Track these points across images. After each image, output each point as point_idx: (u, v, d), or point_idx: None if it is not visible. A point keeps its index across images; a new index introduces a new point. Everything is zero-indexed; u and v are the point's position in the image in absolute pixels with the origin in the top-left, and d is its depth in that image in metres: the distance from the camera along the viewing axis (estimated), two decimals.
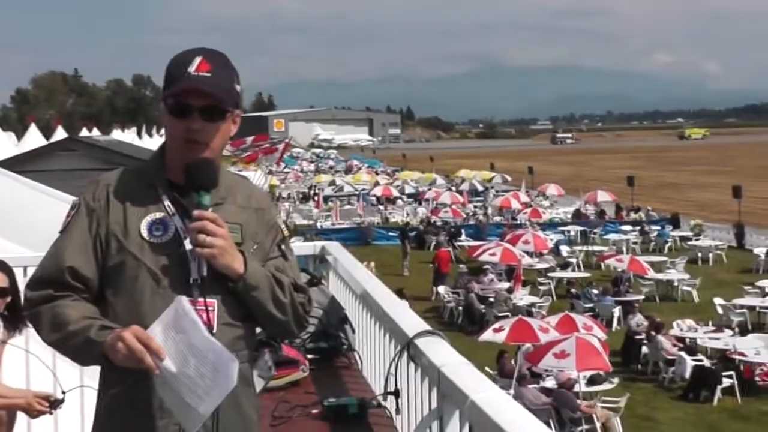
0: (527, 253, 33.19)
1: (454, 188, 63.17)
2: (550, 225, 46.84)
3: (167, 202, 2.84)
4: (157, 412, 2.73)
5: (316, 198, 59.91)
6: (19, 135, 47.18)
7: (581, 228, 45.21)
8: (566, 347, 17.47)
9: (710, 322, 24.48)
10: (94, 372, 2.97)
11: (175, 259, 2.78)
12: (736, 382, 19.81)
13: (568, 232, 44.87)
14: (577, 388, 17.92)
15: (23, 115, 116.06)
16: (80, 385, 4.97)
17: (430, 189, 61.65)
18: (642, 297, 28.88)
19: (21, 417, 5.22)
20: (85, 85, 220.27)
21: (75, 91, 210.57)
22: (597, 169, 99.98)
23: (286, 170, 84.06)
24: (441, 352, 3.54)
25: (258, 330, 3.05)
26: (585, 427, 17.13)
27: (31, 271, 3.05)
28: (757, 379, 20.51)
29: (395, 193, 61.34)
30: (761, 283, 29.11)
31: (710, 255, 38.62)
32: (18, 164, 21.23)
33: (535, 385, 18.33)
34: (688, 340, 22.56)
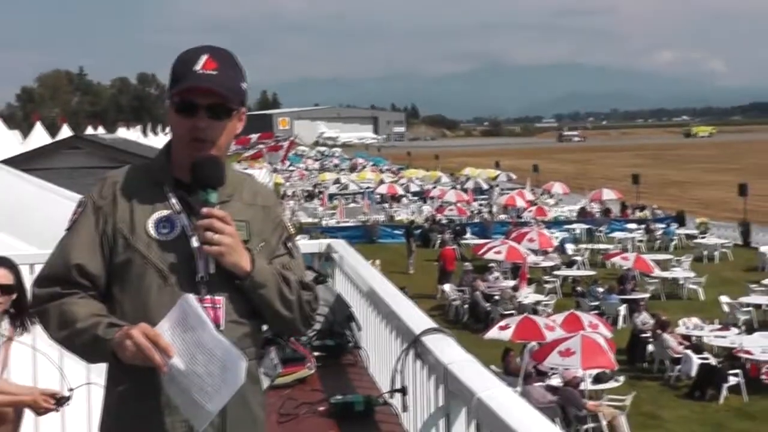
0: (532, 251, 33.21)
1: (459, 186, 63.04)
2: (556, 223, 46.77)
3: (174, 200, 2.84)
4: (165, 410, 2.73)
5: (321, 196, 59.89)
6: (25, 133, 47.28)
7: (586, 226, 45.18)
8: (571, 345, 17.45)
9: (716, 321, 24.41)
10: (100, 369, 2.97)
11: (182, 257, 2.78)
12: (742, 381, 19.77)
13: (574, 230, 44.80)
14: (582, 387, 17.92)
15: (28, 113, 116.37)
16: (87, 383, 4.98)
17: (435, 187, 61.66)
18: (648, 295, 28.82)
19: (28, 414, 5.23)
20: (90, 83, 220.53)
21: (80, 89, 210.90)
22: (602, 167, 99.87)
23: (290, 168, 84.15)
24: (448, 349, 3.54)
25: (264, 327, 3.06)
26: (591, 425, 17.12)
27: (37, 269, 3.05)
28: (763, 377, 20.45)
29: (400, 191, 61.29)
30: (767, 281, 29.04)
31: (716, 253, 38.54)
32: (23, 162, 21.26)
33: (541, 384, 18.31)
34: (694, 338, 22.54)
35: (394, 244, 42.31)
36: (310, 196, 62.71)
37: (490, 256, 31.38)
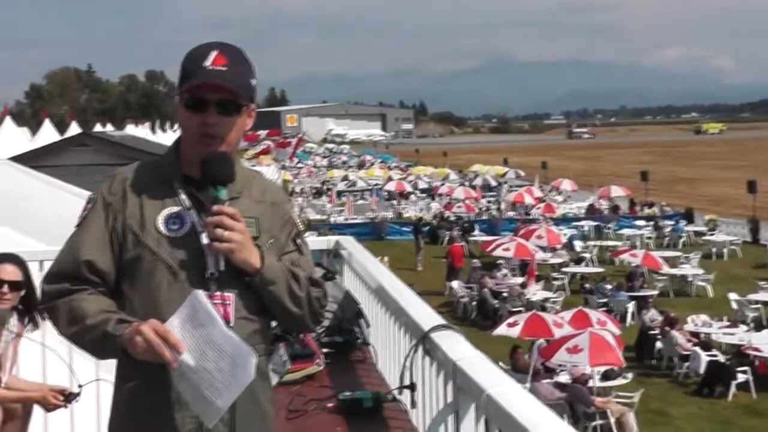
0: (541, 248, 33.20)
1: (467, 183, 63.06)
2: (564, 220, 46.78)
3: (183, 196, 2.83)
4: (174, 406, 2.73)
5: (329, 193, 59.89)
6: (33, 130, 47.46)
7: (595, 223, 45.13)
8: (579, 342, 17.44)
9: (725, 318, 24.39)
10: (110, 366, 2.97)
11: (192, 253, 2.78)
12: (750, 378, 19.75)
13: (582, 227, 44.78)
14: (591, 384, 17.91)
15: (37, 110, 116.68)
16: (96, 379, 4.99)
17: (443, 184, 61.65)
18: (656, 292, 28.81)
19: (37, 411, 5.25)
20: (99, 80, 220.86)
21: (88, 86, 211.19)
22: (611, 164, 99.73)
23: (299, 165, 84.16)
24: (457, 346, 3.54)
25: (273, 324, 3.06)
26: (599, 422, 17.11)
27: (47, 265, 3.05)
28: None
29: (408, 188, 61.27)
30: None
31: (725, 250, 38.52)
32: (32, 159, 21.31)
33: (549, 380, 18.31)
34: (702, 335, 22.52)
35: (403, 241, 42.32)
36: (318, 193, 62.74)
37: (498, 253, 31.39)
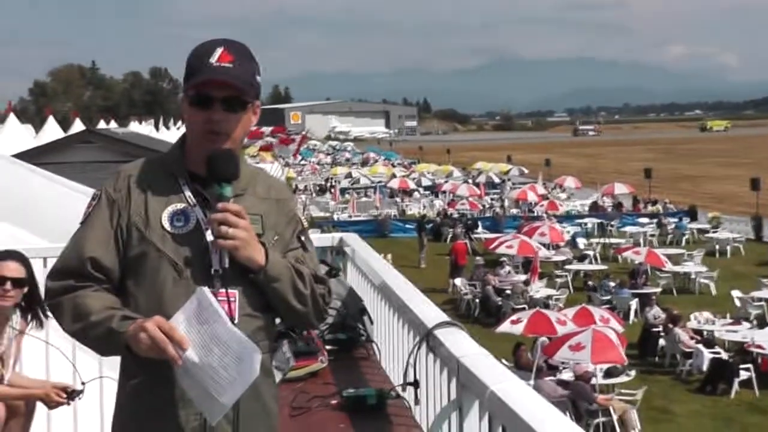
0: (544, 245, 33.16)
1: (470, 180, 63.05)
2: (567, 217, 46.72)
3: (188, 193, 2.84)
4: (179, 403, 2.73)
5: (332, 190, 59.95)
6: (37, 127, 47.43)
7: (598, 220, 45.03)
8: (582, 340, 17.44)
9: (728, 315, 24.37)
10: (113, 363, 2.98)
11: (196, 250, 2.78)
12: (753, 375, 19.74)
13: (585, 224, 44.71)
14: (594, 381, 17.91)
15: (41, 107, 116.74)
16: (99, 376, 4.99)
17: (446, 181, 61.59)
18: (659, 289, 28.79)
19: (40, 408, 5.25)
20: (103, 77, 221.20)
21: (92, 83, 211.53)
22: (614, 161, 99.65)
23: (302, 162, 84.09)
24: (460, 343, 3.55)
25: (277, 321, 3.06)
26: (602, 419, 17.11)
27: (51, 262, 3.06)
28: None
29: (412, 185, 61.24)
30: None
31: (728, 247, 38.49)
32: (36, 156, 21.27)
33: (552, 378, 18.30)
34: (705, 332, 22.50)
35: (406, 238, 42.31)
36: (321, 191, 62.80)
37: (501, 250, 31.33)
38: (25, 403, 5.23)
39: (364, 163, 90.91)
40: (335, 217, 48.22)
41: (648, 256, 30.09)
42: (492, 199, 55.23)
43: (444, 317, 3.93)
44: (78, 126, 44.23)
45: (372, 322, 5.98)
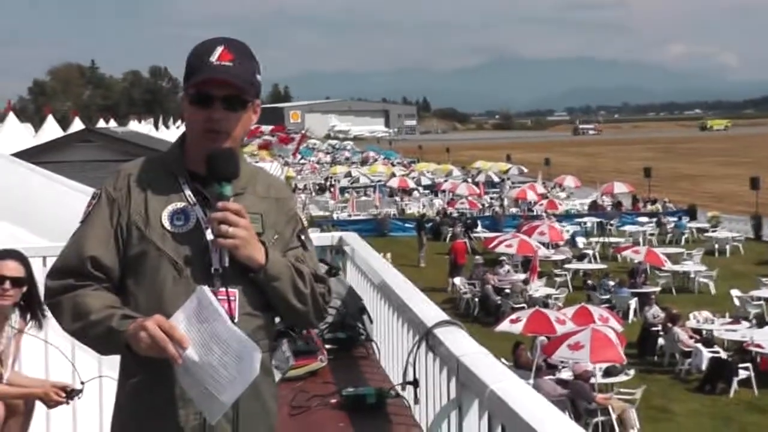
0: (543, 244, 33.18)
1: (470, 180, 63.08)
2: (567, 216, 46.72)
3: (188, 192, 2.84)
4: (178, 402, 2.73)
5: (332, 189, 59.96)
6: (37, 126, 47.38)
7: (598, 219, 45.02)
8: (581, 339, 17.45)
9: (727, 314, 24.39)
10: (113, 362, 2.97)
11: (196, 249, 2.78)
12: (752, 374, 19.75)
13: (585, 223, 44.71)
14: (593, 380, 17.91)
15: (40, 106, 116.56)
16: (99, 376, 4.99)
17: (446, 180, 61.58)
18: (658, 289, 28.80)
19: (39, 407, 5.25)
20: (102, 76, 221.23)
21: (92, 82, 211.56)
22: (614, 160, 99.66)
23: (302, 161, 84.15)
24: (460, 341, 3.54)
25: (277, 320, 3.06)
26: (601, 418, 17.11)
27: (50, 262, 3.06)
28: None
29: (411, 184, 61.26)
30: None
31: (727, 246, 38.49)
32: (35, 155, 21.25)
33: (551, 377, 18.31)
34: (704, 331, 22.51)
35: (405, 237, 42.33)
36: (321, 190, 62.80)
37: (501, 249, 31.36)
38: (24, 402, 5.23)
39: (364, 162, 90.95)
40: (335, 216, 48.20)
41: (647, 255, 30.10)
42: (491, 199, 55.24)
43: (444, 316, 3.93)
44: (77, 125, 44.19)
45: (371, 321, 5.98)
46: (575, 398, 17.25)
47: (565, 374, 18.47)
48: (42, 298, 3.65)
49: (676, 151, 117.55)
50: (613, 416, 17.12)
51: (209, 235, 2.76)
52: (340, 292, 5.93)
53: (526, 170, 70.49)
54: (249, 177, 2.94)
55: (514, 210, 50.35)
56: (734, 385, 19.67)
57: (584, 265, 33.25)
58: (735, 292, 26.57)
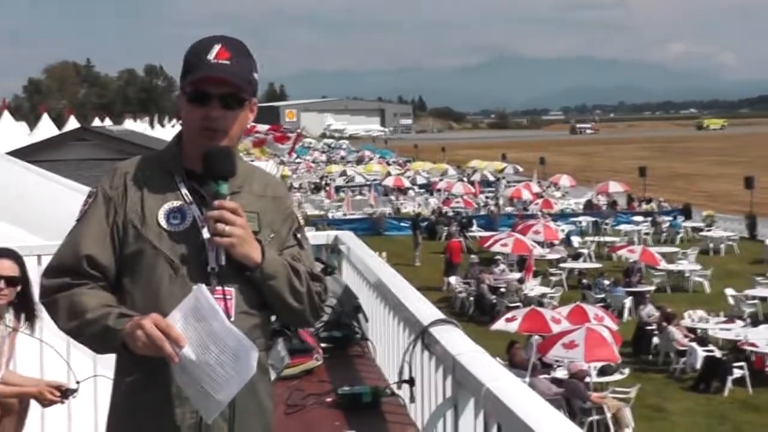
0: (538, 243, 33.21)
1: (465, 179, 63.12)
2: (562, 216, 46.77)
3: (185, 191, 2.83)
4: (175, 401, 2.73)
5: (327, 188, 59.94)
6: (32, 125, 47.29)
7: (593, 219, 45.10)
8: (575, 338, 17.48)
9: (722, 313, 24.44)
10: (108, 361, 2.97)
11: (192, 248, 2.77)
12: (747, 373, 19.80)
13: (580, 222, 44.78)
14: (588, 379, 17.93)
15: (35, 104, 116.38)
16: (94, 375, 4.98)
17: (441, 179, 61.61)
18: (653, 288, 28.85)
19: (34, 406, 5.24)
20: (97, 75, 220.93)
21: (87, 81, 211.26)
22: (609, 159, 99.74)
23: (297, 160, 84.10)
24: (456, 340, 3.54)
25: (273, 318, 3.06)
26: (595, 417, 17.13)
27: (45, 260, 3.06)
28: (767, 369, 20.48)
29: (407, 183, 61.26)
30: None
31: (722, 246, 38.56)
32: (30, 154, 21.24)
33: (546, 376, 18.33)
34: (699, 330, 22.54)
35: (401, 236, 42.31)
36: (316, 189, 62.74)
37: (496, 248, 31.41)
38: (19, 401, 5.22)
39: (359, 161, 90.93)
40: (330, 215, 48.15)
41: (642, 254, 30.17)
42: (487, 198, 55.24)
43: (439, 315, 3.93)
44: (73, 123, 44.03)
45: (367, 320, 5.98)
46: (570, 397, 17.27)
47: (560, 373, 18.48)
48: (36, 297, 3.65)
49: (672, 150, 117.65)
50: (608, 415, 17.14)
51: (205, 234, 2.76)
52: (336, 291, 5.93)
53: (521, 169, 70.60)
54: (245, 175, 2.94)
55: (509, 209, 50.33)
56: (729, 384, 19.70)
57: (579, 264, 33.31)
58: (729, 291, 26.62)
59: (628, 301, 26.72)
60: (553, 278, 30.81)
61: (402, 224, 44.84)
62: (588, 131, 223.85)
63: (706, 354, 20.57)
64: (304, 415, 4.70)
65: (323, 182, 65.86)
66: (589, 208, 49.44)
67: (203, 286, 2.64)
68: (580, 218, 45.82)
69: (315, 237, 7.36)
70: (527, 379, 16.57)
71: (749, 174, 47.08)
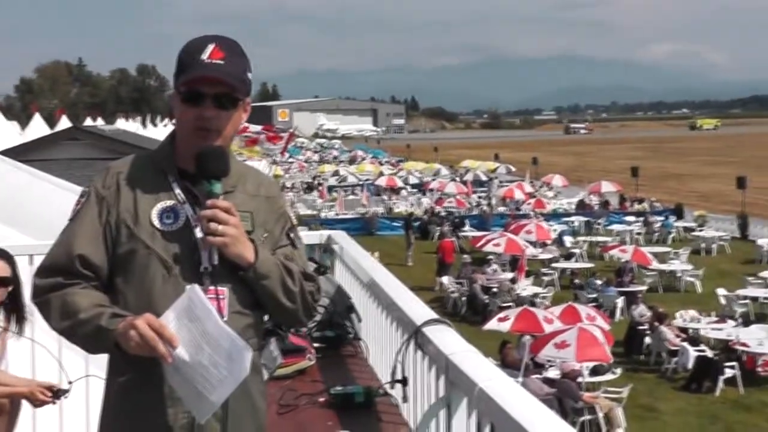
0: (530, 243, 33.25)
1: (458, 179, 63.21)
2: (554, 215, 46.83)
3: (178, 190, 2.83)
4: (167, 401, 2.72)
5: (320, 188, 59.94)
6: (23, 124, 47.24)
7: (585, 218, 45.22)
8: (567, 338, 17.50)
9: (713, 313, 24.48)
10: (100, 361, 2.96)
11: (186, 248, 2.77)
12: (738, 373, 19.83)
13: (572, 222, 44.84)
14: (580, 379, 17.94)
15: (27, 104, 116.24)
16: (86, 375, 4.97)
17: (434, 179, 61.73)
18: (645, 287, 28.89)
19: (26, 407, 5.22)
20: (90, 74, 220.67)
21: (79, 80, 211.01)
22: (602, 159, 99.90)
23: (290, 160, 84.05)
24: (449, 340, 3.54)
25: (266, 318, 3.05)
26: (587, 417, 17.14)
27: (37, 260, 3.05)
28: (759, 369, 20.52)
29: (399, 183, 61.34)
30: (764, 273, 29.09)
31: (714, 246, 38.66)
32: (22, 153, 21.21)
33: (538, 376, 18.34)
34: (691, 330, 22.60)
35: (393, 236, 42.36)
36: (309, 188, 62.74)
37: (488, 248, 31.44)
38: (10, 402, 5.20)
39: (352, 161, 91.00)
40: (322, 215, 48.18)
41: (634, 254, 30.25)
42: (479, 197, 55.30)
43: (432, 315, 3.93)
44: (64, 123, 43.98)
45: (360, 320, 5.97)
46: (562, 397, 17.27)
47: (553, 373, 18.50)
48: (27, 298, 3.63)
49: (664, 150, 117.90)
50: (600, 415, 17.17)
51: (198, 233, 2.75)
52: (329, 291, 5.93)
53: (513, 169, 70.69)
54: (239, 175, 2.93)
55: (501, 209, 50.40)
56: (720, 384, 19.74)
57: (571, 264, 33.38)
58: (721, 291, 26.68)
59: (620, 301, 26.77)
60: (546, 278, 30.84)
61: (394, 224, 44.90)
62: (582, 131, 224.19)
63: (697, 354, 20.60)
64: (297, 415, 4.70)
65: (316, 182, 65.89)
66: (582, 208, 49.53)
67: (196, 286, 2.63)
68: (573, 218, 45.89)
69: (308, 237, 7.35)
70: (520, 379, 16.58)
71: (741, 174, 47.19)
